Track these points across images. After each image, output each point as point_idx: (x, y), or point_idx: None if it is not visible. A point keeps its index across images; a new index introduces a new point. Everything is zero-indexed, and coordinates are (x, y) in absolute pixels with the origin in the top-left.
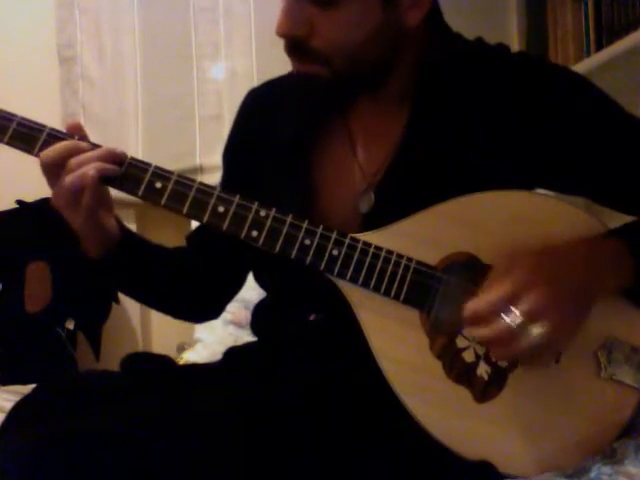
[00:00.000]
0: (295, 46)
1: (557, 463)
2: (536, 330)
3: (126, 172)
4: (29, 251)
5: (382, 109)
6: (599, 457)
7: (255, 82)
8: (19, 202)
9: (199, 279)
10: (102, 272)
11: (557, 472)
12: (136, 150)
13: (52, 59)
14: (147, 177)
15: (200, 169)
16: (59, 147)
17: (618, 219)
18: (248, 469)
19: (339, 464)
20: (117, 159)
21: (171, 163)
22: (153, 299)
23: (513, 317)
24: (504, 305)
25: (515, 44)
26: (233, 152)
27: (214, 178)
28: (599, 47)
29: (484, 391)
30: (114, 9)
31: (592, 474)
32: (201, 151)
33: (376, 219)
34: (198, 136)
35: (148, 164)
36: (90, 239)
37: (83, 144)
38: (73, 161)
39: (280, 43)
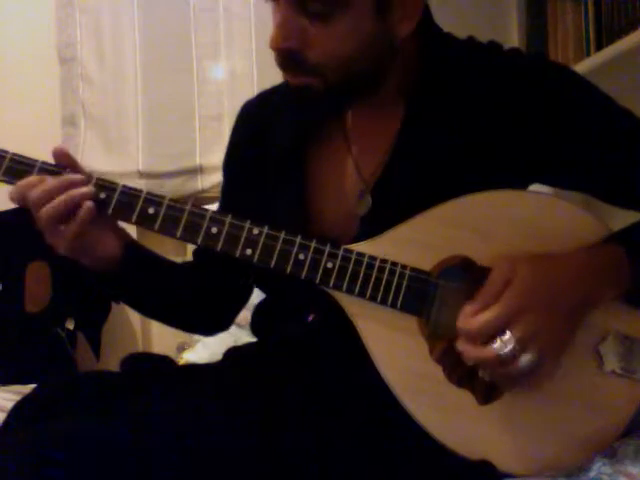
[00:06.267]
0: (289, 59)
1: (559, 462)
2: (525, 358)
3: (118, 199)
4: (29, 251)
5: (377, 110)
6: (599, 457)
7: (255, 82)
8: None
9: (207, 293)
10: (103, 288)
11: (558, 471)
12: (136, 150)
13: (52, 59)
14: (140, 203)
15: (200, 169)
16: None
17: (617, 218)
18: (247, 469)
19: (338, 464)
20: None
21: (171, 163)
22: (161, 315)
23: (505, 342)
24: (498, 328)
25: (515, 44)
26: (232, 165)
27: (214, 178)
28: (599, 47)
29: (486, 393)
30: (114, 9)
31: (592, 474)
32: (201, 151)
33: (374, 221)
34: (198, 136)
35: (139, 190)
36: (83, 260)
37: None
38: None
39: None
